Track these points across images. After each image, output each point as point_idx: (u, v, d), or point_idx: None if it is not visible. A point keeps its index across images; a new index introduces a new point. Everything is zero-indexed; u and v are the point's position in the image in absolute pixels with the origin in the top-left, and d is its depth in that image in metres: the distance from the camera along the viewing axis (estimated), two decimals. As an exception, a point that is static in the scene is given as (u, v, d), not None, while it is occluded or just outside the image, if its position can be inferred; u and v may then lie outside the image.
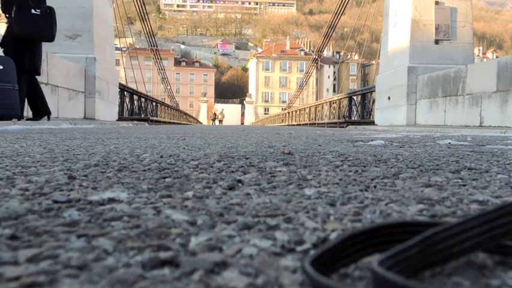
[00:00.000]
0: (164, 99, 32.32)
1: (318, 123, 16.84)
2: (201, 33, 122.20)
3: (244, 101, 72.27)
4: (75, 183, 0.97)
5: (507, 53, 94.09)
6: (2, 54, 5.71)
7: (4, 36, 5.83)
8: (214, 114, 46.18)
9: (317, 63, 39.00)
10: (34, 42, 5.88)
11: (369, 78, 60.74)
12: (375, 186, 0.97)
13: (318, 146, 2.43)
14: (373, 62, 48.41)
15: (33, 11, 5.76)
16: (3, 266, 0.43)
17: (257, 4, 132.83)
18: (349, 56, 65.28)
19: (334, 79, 62.99)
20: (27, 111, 6.50)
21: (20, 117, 5.86)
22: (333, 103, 17.71)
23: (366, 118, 13.47)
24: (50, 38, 5.96)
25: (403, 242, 0.40)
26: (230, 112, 59.73)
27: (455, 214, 0.70)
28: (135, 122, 11.46)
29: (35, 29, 5.74)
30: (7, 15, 5.83)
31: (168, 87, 34.17)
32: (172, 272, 0.42)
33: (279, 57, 73.15)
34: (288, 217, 0.66)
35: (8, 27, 5.78)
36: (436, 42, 9.88)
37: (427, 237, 0.40)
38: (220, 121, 44.47)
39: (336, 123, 13.91)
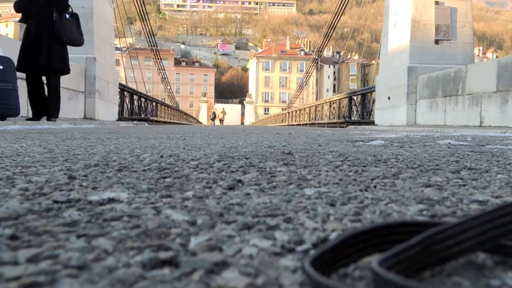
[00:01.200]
0: (164, 99, 32.31)
1: (318, 123, 16.84)
2: (201, 33, 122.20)
3: (244, 101, 72.28)
4: (75, 183, 0.97)
5: (507, 53, 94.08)
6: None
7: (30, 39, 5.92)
8: (214, 113, 45.54)
9: (317, 63, 38.98)
10: (66, 44, 6.12)
11: (369, 78, 60.73)
12: (375, 186, 0.97)
13: (318, 146, 2.43)
14: (373, 62, 48.40)
15: (67, 16, 5.98)
16: (3, 266, 0.43)
17: (257, 4, 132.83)
18: (349, 56, 65.30)
19: (334, 79, 62.99)
20: (27, 111, 6.50)
21: (50, 118, 6.08)
22: (333, 103, 17.71)
23: (366, 118, 13.47)
24: (83, 42, 6.30)
25: (403, 242, 0.40)
26: (230, 112, 59.67)
27: (455, 214, 0.70)
28: (135, 122, 11.46)
29: (74, 33, 6.03)
30: (25, 16, 5.90)
31: (168, 87, 34.17)
32: (172, 272, 0.42)
33: (279, 57, 73.13)
34: (288, 217, 0.66)
35: (34, 29, 5.89)
36: (436, 42, 9.88)
37: (427, 237, 0.40)
38: (222, 120, 43.84)
39: (336, 123, 13.90)
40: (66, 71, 6.29)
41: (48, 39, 5.87)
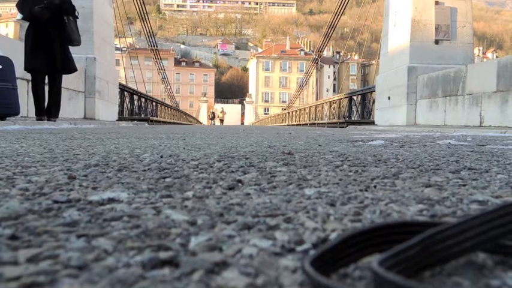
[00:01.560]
0: (164, 99, 32.31)
1: (318, 123, 16.84)
2: (201, 33, 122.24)
3: (244, 101, 72.30)
4: (75, 183, 0.97)
5: (507, 53, 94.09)
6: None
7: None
8: (213, 113, 44.38)
9: (317, 63, 38.96)
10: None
11: (369, 78, 60.77)
12: (375, 186, 0.97)
13: (318, 146, 2.43)
14: (373, 62, 48.43)
15: (71, 18, 6.13)
16: (3, 266, 0.43)
17: (257, 4, 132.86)
18: (349, 56, 65.35)
19: (334, 79, 63.01)
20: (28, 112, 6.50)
21: (51, 118, 6.15)
22: (333, 103, 17.71)
23: (366, 118, 13.47)
24: (80, 42, 6.43)
25: (403, 242, 0.40)
26: (230, 112, 59.62)
27: (455, 214, 0.70)
28: (135, 122, 11.46)
29: (76, 34, 6.19)
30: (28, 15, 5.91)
31: (168, 87, 34.18)
32: (172, 272, 0.42)
33: (279, 57, 73.13)
34: (288, 217, 0.66)
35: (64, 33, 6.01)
36: (436, 42, 9.88)
37: (427, 237, 0.40)
38: (222, 120, 42.76)
39: (336, 123, 13.90)
40: (75, 70, 6.53)
41: (60, 41, 6.01)
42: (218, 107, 53.75)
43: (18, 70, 5.79)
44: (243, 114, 71.19)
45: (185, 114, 35.55)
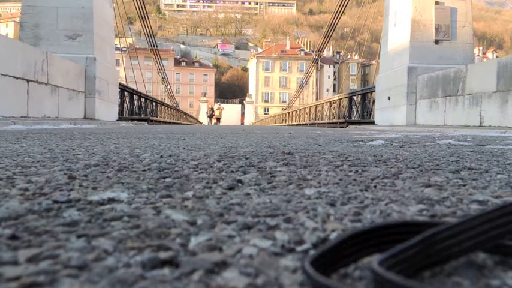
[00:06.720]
0: (164, 99, 32.28)
1: (318, 123, 16.84)
2: (201, 33, 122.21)
3: (244, 101, 72.29)
4: (75, 183, 0.97)
5: (507, 53, 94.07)
6: None
7: None
8: (212, 109, 39.64)
9: (317, 63, 38.90)
10: None
11: (369, 78, 60.77)
12: (375, 186, 0.97)
13: (318, 146, 2.43)
14: (373, 62, 48.44)
15: None
16: (3, 266, 0.43)
17: (257, 4, 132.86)
18: (349, 56, 65.37)
19: (334, 79, 63.00)
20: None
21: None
22: (333, 103, 17.70)
23: (366, 118, 13.46)
24: None
25: (403, 242, 0.40)
26: (230, 112, 59.37)
27: (455, 214, 0.70)
28: (135, 122, 11.46)
29: None
30: None
31: (168, 87, 34.13)
32: (172, 272, 0.42)
33: (279, 57, 73.10)
34: (288, 217, 0.66)
35: None
36: (436, 42, 9.88)
37: (427, 237, 0.40)
38: (218, 119, 38.31)
39: (336, 123, 13.90)
40: None
41: None
42: (216, 105, 52.20)
43: (17, 69, 5.75)
44: (243, 114, 71.16)
45: (185, 114, 35.42)
